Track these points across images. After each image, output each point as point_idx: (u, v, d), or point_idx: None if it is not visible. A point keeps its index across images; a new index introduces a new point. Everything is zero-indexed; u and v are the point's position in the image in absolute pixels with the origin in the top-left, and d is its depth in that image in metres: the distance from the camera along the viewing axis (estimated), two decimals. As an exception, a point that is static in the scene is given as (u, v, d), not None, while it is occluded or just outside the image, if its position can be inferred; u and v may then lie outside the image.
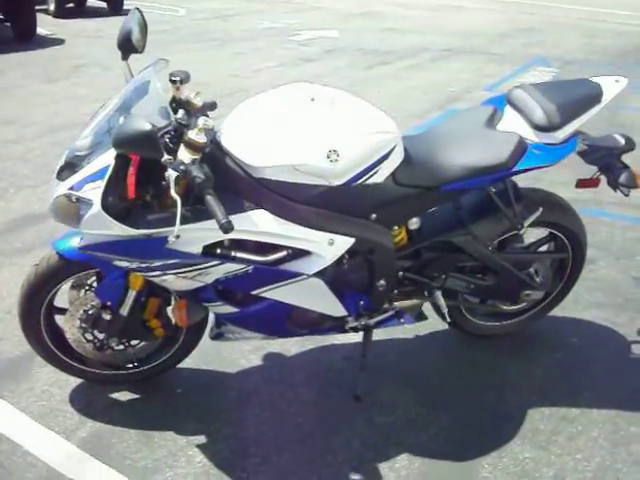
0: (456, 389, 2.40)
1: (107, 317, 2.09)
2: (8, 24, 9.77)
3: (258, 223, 1.84)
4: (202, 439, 2.15)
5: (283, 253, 1.93)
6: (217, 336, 2.23)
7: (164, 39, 9.77)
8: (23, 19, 9.59)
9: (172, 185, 1.67)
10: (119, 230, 1.74)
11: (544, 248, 2.49)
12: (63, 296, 2.18)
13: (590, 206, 3.63)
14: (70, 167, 1.82)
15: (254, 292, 1.97)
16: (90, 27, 11.27)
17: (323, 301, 2.05)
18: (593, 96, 2.09)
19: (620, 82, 2.15)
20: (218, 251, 1.86)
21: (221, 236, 1.80)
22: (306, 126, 1.84)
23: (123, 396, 2.34)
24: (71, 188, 1.76)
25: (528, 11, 12.46)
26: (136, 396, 2.35)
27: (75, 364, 2.28)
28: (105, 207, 1.71)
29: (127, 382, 2.37)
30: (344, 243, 1.97)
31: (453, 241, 2.21)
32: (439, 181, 2.01)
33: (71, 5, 13.29)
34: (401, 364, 2.53)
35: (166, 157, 1.68)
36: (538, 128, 2.06)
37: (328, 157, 1.79)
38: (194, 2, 14.21)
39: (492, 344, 2.62)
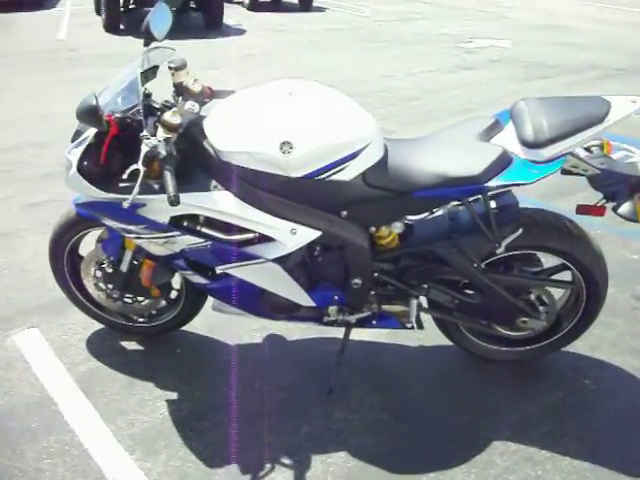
0: (430, 404, 2.33)
1: (110, 271, 2.36)
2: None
3: (219, 203, 1.98)
4: (173, 395, 2.35)
5: (250, 236, 2.04)
6: (214, 307, 2.40)
7: (336, 36, 10.20)
8: (212, 9, 10.57)
9: (140, 157, 1.88)
10: (92, 192, 1.99)
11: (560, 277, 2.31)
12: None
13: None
14: (78, 134, 2.10)
15: (219, 268, 2.11)
16: (275, 21, 12.04)
17: (285, 287, 2.13)
18: (595, 116, 1.89)
19: (636, 102, 1.93)
20: (185, 224, 2.03)
21: (180, 209, 1.97)
22: (268, 117, 1.93)
23: (130, 345, 2.63)
24: (68, 151, 2.05)
25: None
26: (140, 347, 2.62)
27: (94, 309, 2.60)
28: (80, 170, 1.96)
29: (137, 334, 2.66)
30: (308, 234, 2.03)
31: (437, 252, 2.15)
32: (411, 186, 1.98)
33: (266, 0, 14.31)
34: (389, 369, 2.51)
35: (144, 133, 1.89)
36: (524, 144, 1.93)
37: (281, 148, 1.86)
38: (384, 4, 14.54)
39: (491, 368, 2.49)
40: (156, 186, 1.97)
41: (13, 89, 6.49)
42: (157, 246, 2.10)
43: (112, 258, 2.34)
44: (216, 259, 2.09)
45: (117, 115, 1.95)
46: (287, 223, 2.01)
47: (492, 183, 1.92)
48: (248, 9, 13.53)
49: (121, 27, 10.19)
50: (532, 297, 2.27)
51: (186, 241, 2.04)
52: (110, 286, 2.42)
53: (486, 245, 2.09)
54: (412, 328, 2.34)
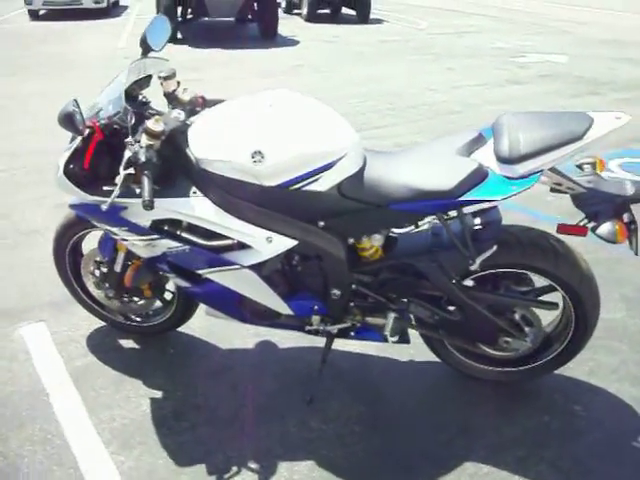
0: (409, 420, 2.30)
1: (105, 270, 2.46)
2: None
3: (197, 209, 2.04)
4: (158, 394, 2.42)
5: (228, 242, 2.09)
6: (207, 312, 2.46)
7: (386, 48, 10.24)
8: (267, 20, 10.80)
9: (123, 162, 1.96)
10: (77, 194, 2.09)
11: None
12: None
13: None
14: (74, 138, 2.21)
15: (199, 272, 2.17)
16: (329, 32, 12.19)
17: (261, 294, 2.17)
18: (574, 133, 1.84)
19: (621, 119, 1.86)
20: (165, 227, 2.10)
21: (160, 214, 2.04)
22: (243, 127, 1.97)
23: (127, 343, 2.73)
24: (60, 155, 2.16)
25: None
26: (136, 346, 2.72)
27: (95, 307, 2.71)
28: (67, 173, 2.07)
29: (135, 333, 2.75)
30: (284, 243, 2.06)
31: (417, 266, 2.13)
32: (387, 199, 1.98)
33: (326, 11, 14.50)
34: (374, 382, 2.50)
35: (128, 139, 1.98)
36: (499, 159, 1.90)
37: (252, 157, 1.91)
38: (443, 17, 14.48)
39: (478, 387, 2.43)
40: (138, 190, 2.04)
41: (64, 94, 6.83)
42: (140, 248, 2.18)
43: (107, 258, 2.44)
44: (195, 263, 2.15)
45: (103, 121, 2.04)
46: (263, 231, 2.04)
47: (465, 198, 1.90)
48: (306, 20, 13.76)
49: (179, 36, 10.54)
50: (516, 317, 2.22)
51: (165, 245, 2.11)
52: (106, 285, 2.52)
53: (463, 261, 2.07)
54: (396, 342, 2.33)
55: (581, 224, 1.98)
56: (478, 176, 1.90)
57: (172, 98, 2.20)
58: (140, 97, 2.28)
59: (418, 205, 1.96)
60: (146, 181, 1.89)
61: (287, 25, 12.98)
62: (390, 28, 12.93)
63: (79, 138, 2.08)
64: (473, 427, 2.26)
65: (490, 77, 7.94)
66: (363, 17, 13.61)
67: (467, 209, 2.02)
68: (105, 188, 2.05)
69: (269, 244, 2.06)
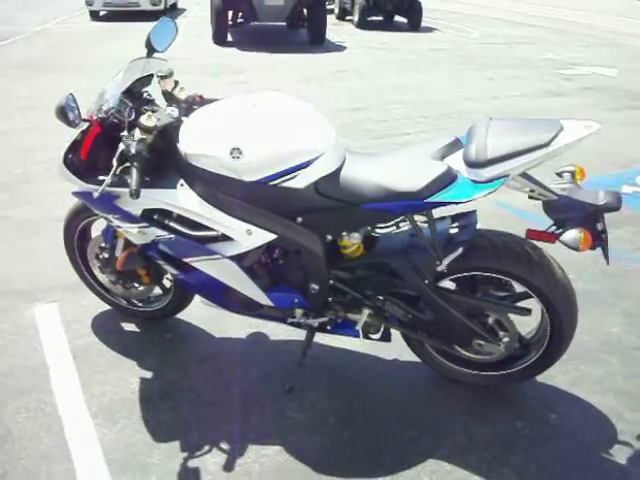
0: (382, 415, 2.36)
1: (107, 256, 2.62)
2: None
3: (182, 200, 2.17)
4: (149, 374, 2.56)
5: (212, 233, 2.21)
6: (202, 300, 2.59)
7: (433, 57, 10.25)
8: (315, 26, 10.95)
9: (116, 154, 2.11)
10: (75, 182, 2.25)
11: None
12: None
13: None
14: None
15: (185, 260, 2.29)
16: (378, 39, 12.27)
17: (241, 284, 2.27)
18: (541, 139, 1.87)
19: (591, 127, 1.88)
20: (155, 217, 2.24)
21: (149, 203, 2.17)
22: (225, 124, 2.09)
23: (128, 327, 2.89)
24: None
25: None
26: (136, 330, 2.87)
27: (102, 291, 2.88)
28: (66, 163, 2.23)
29: (137, 317, 2.91)
30: (263, 236, 2.16)
31: (391, 265, 2.20)
32: (359, 199, 2.05)
33: (378, 18, 14.59)
34: (355, 378, 2.57)
35: (123, 133, 2.13)
36: (467, 163, 1.94)
37: (231, 153, 2.02)
38: (497, 27, 14.34)
39: (457, 389, 2.47)
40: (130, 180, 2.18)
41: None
42: (133, 235, 2.32)
43: (108, 244, 2.60)
44: (181, 252, 2.27)
45: (100, 115, 2.19)
46: (243, 224, 2.15)
47: (431, 200, 1.96)
48: (357, 27, 13.88)
49: (229, 39, 10.82)
50: (490, 321, 2.25)
51: (153, 233, 2.25)
52: (109, 270, 2.68)
53: (433, 262, 2.12)
54: (377, 340, 2.40)
55: (549, 231, 2.01)
56: (446, 179, 1.96)
57: (169, 96, 2.34)
58: (145, 94, 2.43)
59: (387, 205, 2.03)
60: (134, 172, 2.02)
61: (337, 31, 13.14)
62: (440, 36, 12.89)
63: (78, 130, 2.24)
64: (443, 426, 2.30)
65: (532, 88, 7.85)
66: (414, 25, 13.63)
67: (438, 210, 2.07)
68: (100, 177, 2.20)
69: (249, 236, 2.16)
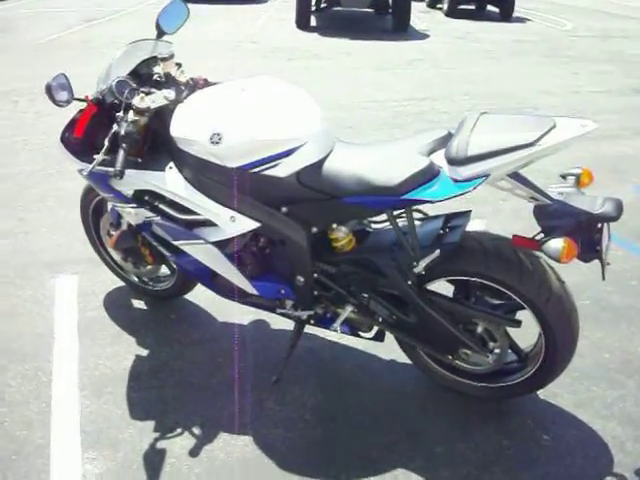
0: (361, 417, 2.27)
1: (113, 233, 2.68)
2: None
3: (169, 183, 2.17)
4: (144, 352, 2.61)
5: (199, 218, 2.20)
6: (203, 282, 2.61)
7: (516, 48, 9.81)
8: (398, 13, 10.73)
9: (109, 135, 2.14)
10: (70, 159, 2.30)
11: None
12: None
13: None
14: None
15: (174, 242, 2.30)
16: (464, 28, 11.86)
17: (225, 270, 2.25)
18: (527, 138, 1.70)
19: (586, 127, 1.70)
20: (145, 198, 2.26)
21: (138, 185, 2.19)
22: (209, 109, 2.06)
23: (137, 304, 2.95)
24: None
25: None
26: (144, 307, 2.93)
27: (116, 267, 2.96)
28: (62, 140, 2.28)
29: (147, 295, 2.96)
30: (247, 224, 2.13)
31: (376, 262, 2.11)
32: (339, 191, 1.97)
33: (470, 7, 14.10)
34: (344, 376, 2.49)
35: (119, 114, 2.16)
36: (447, 160, 1.82)
37: (211, 139, 1.99)
38: (595, 20, 13.51)
39: (448, 397, 2.34)
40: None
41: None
42: (128, 215, 2.36)
43: (115, 222, 2.65)
44: (170, 234, 2.28)
45: (96, 96, 2.23)
46: (227, 210, 2.13)
47: (408, 196, 1.85)
48: (446, 15, 13.48)
49: (312, 24, 10.80)
50: (479, 330, 2.11)
51: (142, 214, 2.27)
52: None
53: (411, 262, 2.01)
54: (369, 339, 2.33)
55: (536, 238, 1.85)
56: (427, 175, 1.84)
57: (169, 79, 2.34)
58: (155, 76, 2.44)
59: (366, 200, 1.94)
60: (121, 152, 2.05)
61: (425, 19, 12.81)
62: (531, 27, 12.27)
63: (79, 109, 2.29)
64: (424, 436, 2.19)
65: (616, 84, 7.33)
66: (506, 14, 13.06)
67: (435, 208, 1.96)
68: (95, 156, 2.24)
69: (232, 223, 2.14)
